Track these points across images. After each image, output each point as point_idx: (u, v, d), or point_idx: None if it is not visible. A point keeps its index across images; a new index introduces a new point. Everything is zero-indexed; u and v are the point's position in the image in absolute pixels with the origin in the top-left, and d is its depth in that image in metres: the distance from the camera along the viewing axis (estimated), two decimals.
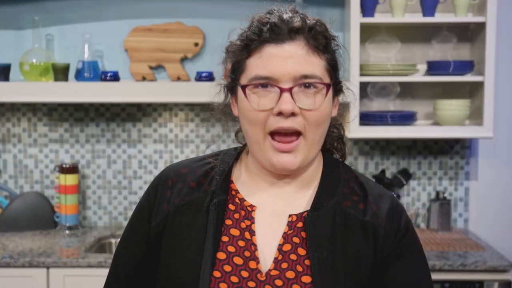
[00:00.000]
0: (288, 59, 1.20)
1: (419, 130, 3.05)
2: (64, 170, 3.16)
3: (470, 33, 3.16)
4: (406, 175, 3.22)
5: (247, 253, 1.23)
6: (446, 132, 3.02)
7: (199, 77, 3.09)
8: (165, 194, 1.31)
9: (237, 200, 1.28)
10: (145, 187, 2.93)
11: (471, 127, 3.03)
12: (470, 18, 3.02)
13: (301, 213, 1.26)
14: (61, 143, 3.31)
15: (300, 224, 1.25)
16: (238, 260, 1.22)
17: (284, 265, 1.22)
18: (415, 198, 3.30)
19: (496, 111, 3.12)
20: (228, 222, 1.25)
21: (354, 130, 2.97)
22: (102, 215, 3.34)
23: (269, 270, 1.22)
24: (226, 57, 1.30)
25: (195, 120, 3.28)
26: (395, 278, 1.26)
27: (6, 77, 3.07)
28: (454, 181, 3.29)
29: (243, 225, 1.25)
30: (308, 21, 1.23)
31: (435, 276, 2.46)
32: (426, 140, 3.25)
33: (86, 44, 3.12)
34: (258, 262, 1.22)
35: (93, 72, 3.09)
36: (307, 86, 1.20)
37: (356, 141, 3.26)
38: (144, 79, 3.18)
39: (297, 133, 1.21)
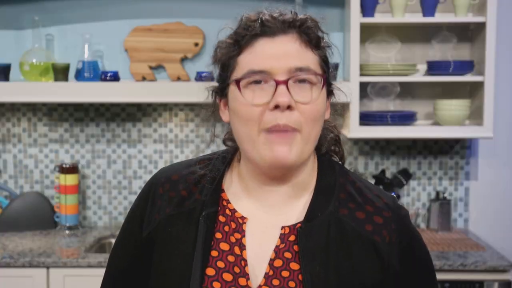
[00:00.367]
0: (281, 52, 1.16)
1: (419, 130, 3.05)
2: (64, 170, 3.16)
3: (470, 33, 3.16)
4: (406, 175, 3.22)
5: (236, 269, 1.19)
6: (446, 132, 3.02)
7: (199, 77, 3.09)
8: (156, 203, 1.27)
9: (227, 211, 1.24)
10: None
11: (471, 127, 3.03)
12: (470, 18, 3.02)
13: (294, 225, 1.21)
14: (61, 143, 3.30)
15: (292, 238, 1.20)
16: (227, 277, 1.19)
17: (276, 282, 1.18)
18: (415, 198, 3.30)
19: (496, 111, 3.12)
20: (218, 235, 1.22)
21: (354, 130, 2.96)
22: (102, 215, 3.33)
23: (260, 286, 1.18)
24: (215, 55, 1.24)
25: (195, 120, 3.28)
26: None
27: (6, 77, 3.06)
28: (454, 181, 3.29)
29: (233, 239, 1.21)
30: (299, 16, 1.20)
31: None
32: (426, 140, 3.25)
33: (86, 44, 3.11)
34: (248, 279, 1.18)
35: (93, 72, 3.09)
36: (302, 81, 1.17)
37: (356, 141, 3.25)
38: (144, 79, 3.18)
39: (292, 130, 1.16)
